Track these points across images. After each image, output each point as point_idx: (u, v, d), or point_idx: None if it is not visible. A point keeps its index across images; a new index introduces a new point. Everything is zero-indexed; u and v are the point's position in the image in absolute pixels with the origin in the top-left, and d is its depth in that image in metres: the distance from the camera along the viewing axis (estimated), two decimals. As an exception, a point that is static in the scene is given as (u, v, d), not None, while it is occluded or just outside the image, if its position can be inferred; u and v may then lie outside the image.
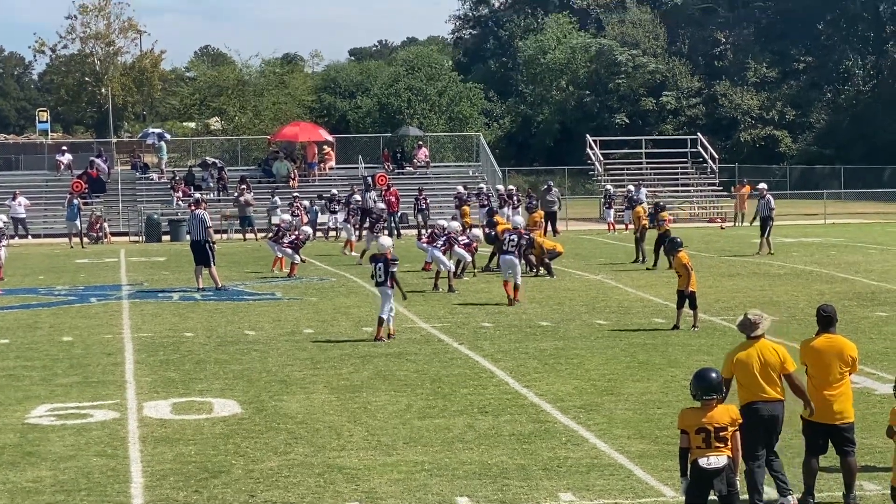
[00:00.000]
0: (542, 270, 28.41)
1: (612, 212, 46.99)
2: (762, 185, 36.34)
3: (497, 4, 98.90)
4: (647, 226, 32.14)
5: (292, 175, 50.52)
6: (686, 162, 57.88)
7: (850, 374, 10.46)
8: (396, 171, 52.43)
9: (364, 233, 35.84)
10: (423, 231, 37.89)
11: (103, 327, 21.19)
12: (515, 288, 23.45)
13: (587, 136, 59.45)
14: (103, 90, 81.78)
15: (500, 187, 44.97)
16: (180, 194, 47.99)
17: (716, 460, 8.80)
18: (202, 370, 16.82)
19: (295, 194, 44.42)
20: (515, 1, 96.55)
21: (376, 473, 11.37)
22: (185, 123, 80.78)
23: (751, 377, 10.07)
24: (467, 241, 27.51)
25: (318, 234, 42.10)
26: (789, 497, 10.10)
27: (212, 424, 13.46)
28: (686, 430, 8.90)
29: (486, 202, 41.69)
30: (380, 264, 19.08)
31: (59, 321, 22.00)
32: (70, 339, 19.76)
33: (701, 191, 56.27)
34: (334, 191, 43.84)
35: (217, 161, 52.58)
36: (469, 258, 27.94)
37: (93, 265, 34.09)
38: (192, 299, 25.16)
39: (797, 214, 49.95)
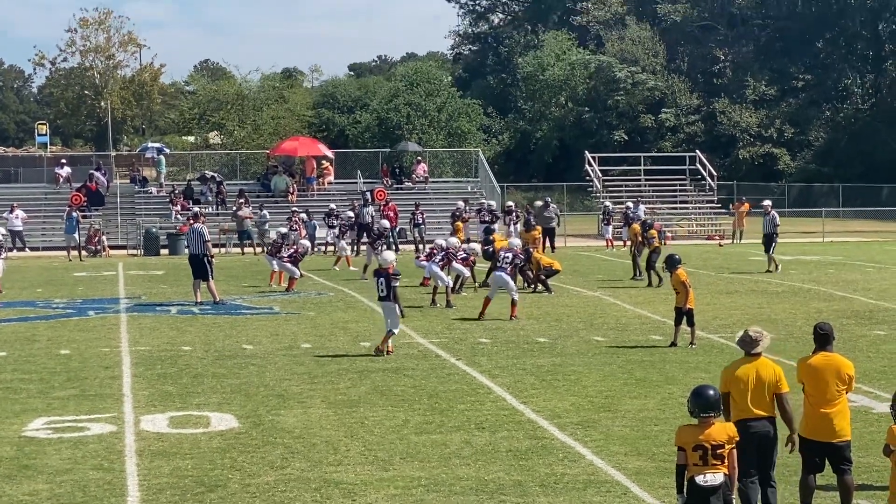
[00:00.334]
0: (539, 287, 28.42)
1: (610, 228, 47.05)
2: (766, 202, 36.30)
3: (497, 21, 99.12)
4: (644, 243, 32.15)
5: (291, 190, 50.55)
6: (685, 179, 57.98)
7: (847, 392, 10.43)
8: (395, 186, 52.49)
9: (363, 247, 35.78)
10: (421, 247, 37.88)
11: (101, 340, 21.17)
12: (513, 304, 23.49)
13: (586, 152, 59.58)
14: (103, 103, 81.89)
15: (493, 202, 44.72)
16: (179, 208, 48.01)
17: (713, 478, 8.79)
18: (199, 384, 16.81)
19: (294, 209, 44.47)
20: (515, 17, 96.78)
21: (373, 488, 11.35)
22: (184, 137, 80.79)
23: (743, 394, 10.06)
24: (464, 255, 27.51)
25: (317, 248, 42.11)
26: None
27: (209, 438, 13.45)
28: (683, 447, 8.90)
29: (486, 218, 41.72)
30: (382, 279, 19.11)
31: (56, 334, 21.99)
32: (68, 353, 19.75)
33: (699, 208, 56.30)
34: (332, 205, 43.89)
35: (216, 175, 52.67)
36: (467, 273, 27.93)
37: (91, 278, 34.09)
38: (190, 313, 25.17)
39: (795, 232, 49.95)
